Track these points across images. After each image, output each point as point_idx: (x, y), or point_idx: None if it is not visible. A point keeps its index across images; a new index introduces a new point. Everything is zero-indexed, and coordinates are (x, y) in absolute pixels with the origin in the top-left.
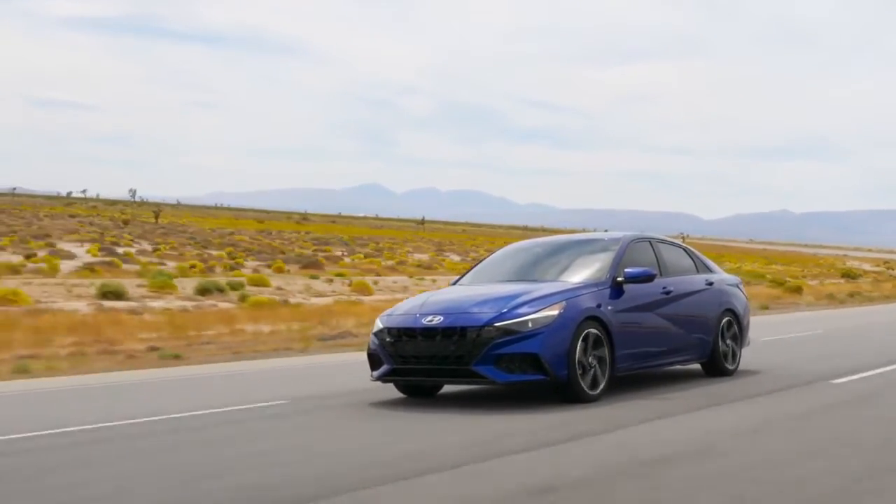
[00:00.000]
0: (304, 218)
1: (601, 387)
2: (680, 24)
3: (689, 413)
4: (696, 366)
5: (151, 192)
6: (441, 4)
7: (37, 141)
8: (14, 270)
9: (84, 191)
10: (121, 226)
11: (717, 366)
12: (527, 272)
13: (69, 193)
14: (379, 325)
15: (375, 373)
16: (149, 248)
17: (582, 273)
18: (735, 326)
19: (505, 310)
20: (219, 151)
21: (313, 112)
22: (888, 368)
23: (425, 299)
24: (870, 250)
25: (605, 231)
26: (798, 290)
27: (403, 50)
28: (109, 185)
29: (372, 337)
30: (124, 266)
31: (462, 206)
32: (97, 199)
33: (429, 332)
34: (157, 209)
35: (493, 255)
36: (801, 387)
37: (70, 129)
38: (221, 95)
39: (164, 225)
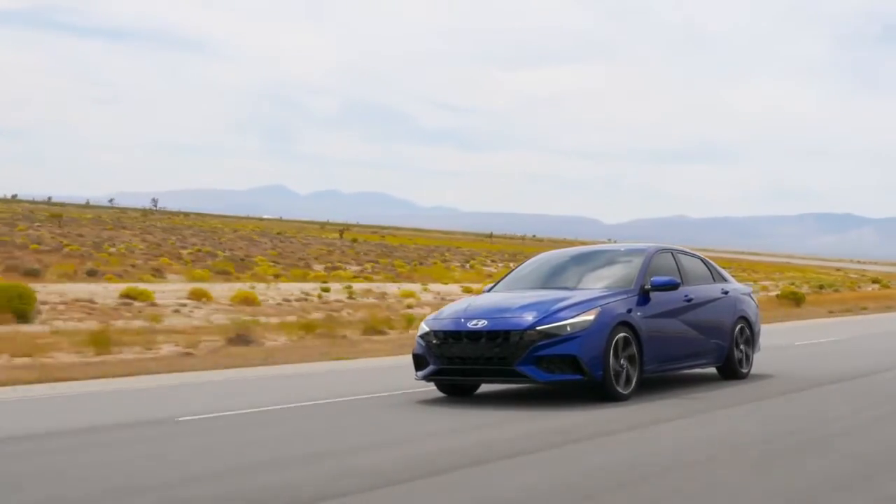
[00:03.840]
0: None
1: (632, 387)
2: (587, 28)
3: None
4: (712, 370)
5: (48, 191)
6: (353, 3)
7: None
8: None
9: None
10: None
11: (732, 370)
12: (558, 280)
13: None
14: (424, 328)
15: (420, 373)
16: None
17: (613, 281)
18: (748, 332)
19: (545, 315)
20: (118, 149)
21: (217, 110)
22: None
23: (468, 304)
24: (803, 257)
25: (534, 236)
26: None
27: (312, 47)
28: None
29: (417, 339)
30: None
31: (365, 207)
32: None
33: (474, 334)
34: (344, 227)
35: (525, 263)
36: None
37: None
38: (122, 91)
39: (352, 242)
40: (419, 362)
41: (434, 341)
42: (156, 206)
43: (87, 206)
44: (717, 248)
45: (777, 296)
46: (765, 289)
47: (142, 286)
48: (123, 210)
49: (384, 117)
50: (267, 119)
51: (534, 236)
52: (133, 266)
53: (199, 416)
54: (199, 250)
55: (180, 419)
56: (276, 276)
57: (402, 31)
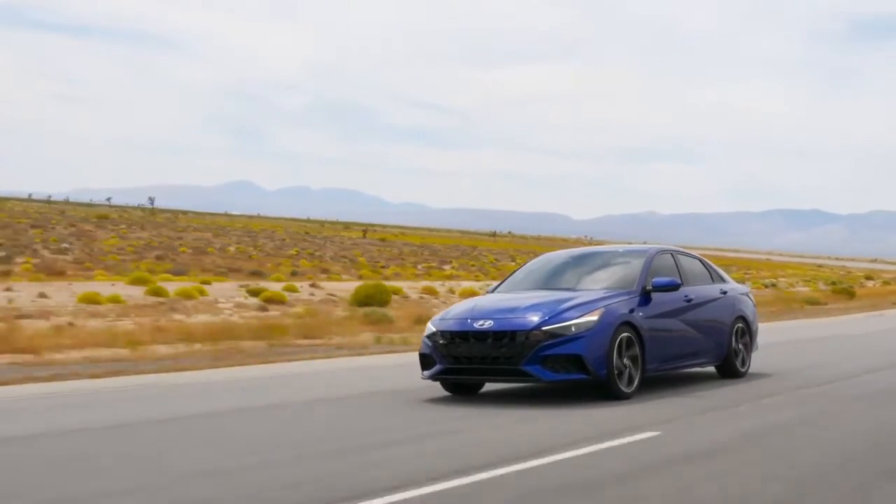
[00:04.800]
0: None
1: (634, 386)
2: (558, 27)
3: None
4: (711, 368)
5: (11, 187)
6: (325, 1)
7: None
8: None
9: None
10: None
11: (730, 368)
12: (560, 281)
13: None
14: (431, 328)
15: (427, 372)
16: None
17: (614, 282)
18: (746, 332)
19: (550, 315)
20: (84, 146)
21: (185, 107)
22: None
23: (474, 305)
24: (780, 254)
25: (510, 233)
26: None
27: (281, 45)
28: None
29: (424, 339)
30: None
31: (335, 204)
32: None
33: (481, 335)
34: (366, 228)
35: (528, 264)
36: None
37: None
38: (89, 88)
39: (377, 241)
40: (426, 362)
41: (441, 341)
42: (153, 204)
43: (67, 202)
44: (687, 245)
45: (832, 290)
46: (791, 285)
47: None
48: (124, 208)
49: (354, 114)
50: (235, 116)
51: (509, 233)
52: (278, 265)
53: None
54: (298, 252)
55: None
56: (417, 276)
57: (373, 28)
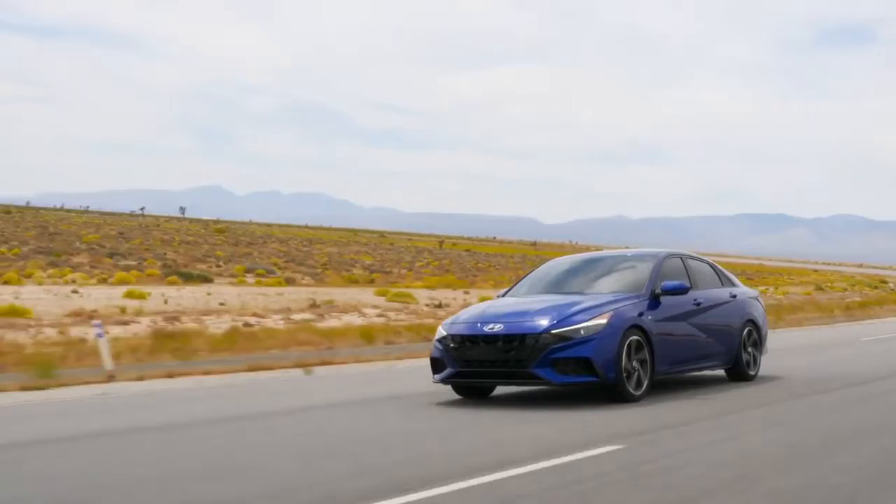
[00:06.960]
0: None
1: (643, 388)
2: (527, 30)
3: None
4: (720, 371)
5: None
6: (293, 3)
7: None
8: None
9: None
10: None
11: (740, 372)
12: (570, 285)
13: None
14: (442, 332)
15: (438, 375)
16: None
17: (623, 286)
18: (755, 335)
19: (560, 318)
20: (48, 149)
21: (152, 109)
22: None
23: (484, 309)
24: (770, 259)
25: (495, 238)
26: None
27: (250, 47)
28: None
29: (435, 343)
30: None
31: (305, 208)
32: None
33: (491, 338)
34: (442, 239)
35: (538, 269)
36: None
37: None
38: (53, 90)
39: (448, 251)
40: (437, 365)
41: (452, 345)
42: (183, 213)
43: (61, 208)
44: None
45: None
46: (852, 288)
47: None
48: (157, 218)
49: (323, 117)
50: (204, 119)
51: (495, 238)
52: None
53: None
54: (479, 263)
55: None
56: None
57: (342, 31)
